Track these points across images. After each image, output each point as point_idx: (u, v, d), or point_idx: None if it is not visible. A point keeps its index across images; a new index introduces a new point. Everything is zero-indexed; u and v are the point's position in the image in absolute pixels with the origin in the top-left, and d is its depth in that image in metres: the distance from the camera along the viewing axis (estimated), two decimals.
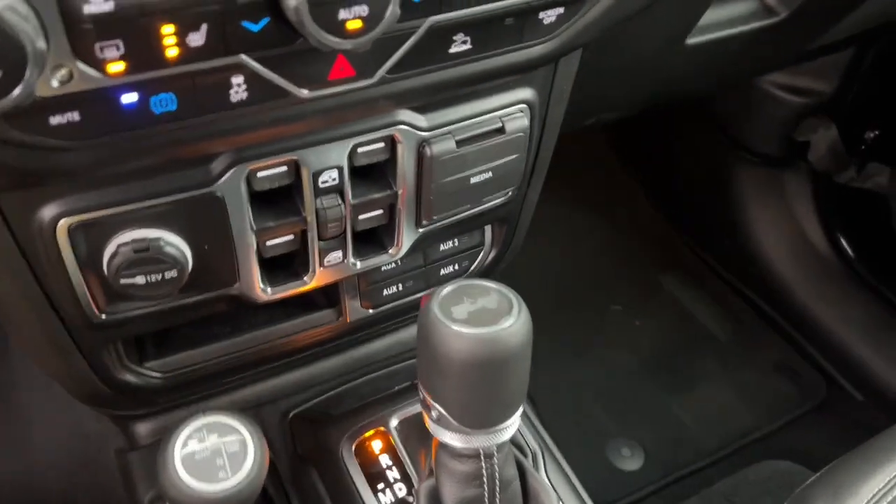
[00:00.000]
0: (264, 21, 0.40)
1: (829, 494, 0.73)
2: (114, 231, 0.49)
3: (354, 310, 0.69)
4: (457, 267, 0.72)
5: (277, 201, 0.55)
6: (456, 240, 0.69)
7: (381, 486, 0.65)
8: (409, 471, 0.65)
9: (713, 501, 1.11)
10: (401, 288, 0.69)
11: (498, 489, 0.59)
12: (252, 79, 0.43)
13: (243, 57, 0.41)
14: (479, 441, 0.56)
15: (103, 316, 0.53)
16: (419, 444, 0.67)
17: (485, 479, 0.58)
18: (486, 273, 0.74)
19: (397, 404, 0.70)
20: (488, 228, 0.71)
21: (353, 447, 0.67)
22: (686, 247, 1.55)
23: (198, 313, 0.58)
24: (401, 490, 0.64)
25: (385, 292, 0.69)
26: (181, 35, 0.38)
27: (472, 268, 0.73)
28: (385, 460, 0.66)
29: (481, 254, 0.72)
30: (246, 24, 0.40)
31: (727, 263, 1.53)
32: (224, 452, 0.52)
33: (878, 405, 1.33)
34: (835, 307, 1.40)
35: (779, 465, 1.17)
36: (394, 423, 0.69)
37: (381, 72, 0.46)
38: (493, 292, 0.54)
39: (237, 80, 0.42)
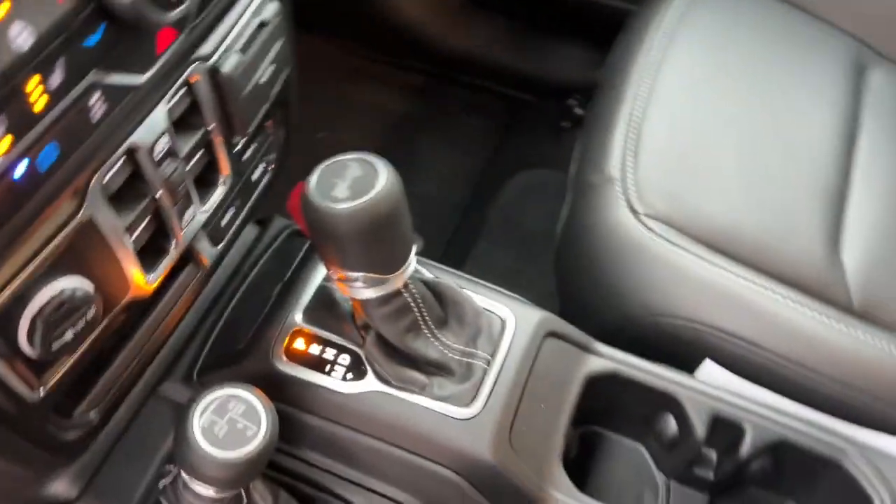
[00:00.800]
0: (101, 30, 0.39)
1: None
2: (19, 308, 0.46)
3: (208, 252, 0.70)
4: (263, 165, 0.75)
5: (121, 195, 0.54)
6: (255, 142, 0.72)
7: (327, 368, 0.72)
8: (340, 343, 0.73)
9: (506, 233, 1.33)
10: (232, 210, 0.72)
11: (423, 306, 0.70)
12: (104, 91, 0.41)
13: (92, 74, 0.40)
14: (401, 280, 0.66)
15: (41, 390, 0.51)
16: (333, 319, 0.74)
17: (412, 305, 0.69)
18: (284, 156, 0.79)
19: (288, 304, 0.75)
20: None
21: (286, 357, 0.72)
22: (350, 54, 1.64)
23: (107, 335, 0.57)
24: (345, 359, 0.72)
25: (223, 223, 0.71)
26: (45, 81, 0.36)
27: (272, 157, 0.76)
28: (315, 349, 0.73)
29: (274, 139, 0.76)
30: (87, 42, 0.38)
31: (386, 51, 1.66)
32: (238, 418, 0.55)
33: (544, 95, 1.62)
34: (482, 40, 1.62)
35: (522, 176, 1.42)
36: (299, 317, 0.74)
37: (192, 19, 0.46)
38: (351, 162, 0.61)
39: (94, 98, 0.41)
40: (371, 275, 0.64)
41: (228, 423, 0.55)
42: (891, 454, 0.76)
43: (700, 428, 0.77)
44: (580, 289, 0.93)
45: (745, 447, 0.76)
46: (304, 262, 0.79)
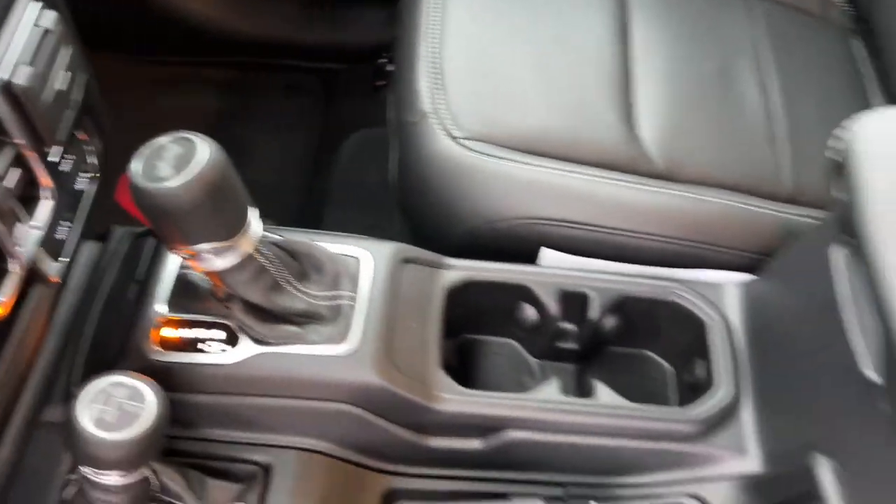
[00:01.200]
0: None
1: None
2: None
3: (52, 268, 0.71)
4: (86, 176, 0.76)
5: None
6: (71, 154, 0.72)
7: (203, 347, 0.75)
8: (210, 320, 0.76)
9: (351, 195, 1.38)
10: (67, 225, 0.72)
11: (279, 264, 0.74)
12: None
13: None
14: (248, 244, 0.69)
15: None
16: (196, 301, 0.77)
17: (267, 264, 0.73)
18: (105, 167, 0.79)
19: (150, 299, 0.77)
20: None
21: (160, 348, 0.74)
22: (155, 64, 1.61)
23: None
24: (219, 334, 0.75)
25: (60, 236, 0.71)
26: None
27: (94, 166, 0.77)
28: (187, 333, 0.75)
29: (91, 149, 0.77)
30: None
31: (188, 53, 1.64)
32: (124, 401, 0.58)
33: (355, 61, 1.66)
34: (280, 22, 1.63)
35: (351, 139, 1.47)
36: (164, 308, 0.76)
37: None
38: (167, 143, 0.64)
39: None
40: (216, 244, 0.67)
41: (117, 407, 0.57)
42: (712, 283, 0.89)
43: (552, 306, 0.86)
44: (423, 218, 0.99)
45: (594, 311, 0.86)
46: (155, 258, 0.80)
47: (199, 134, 0.64)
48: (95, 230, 0.87)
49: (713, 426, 0.78)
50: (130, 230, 0.89)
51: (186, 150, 0.63)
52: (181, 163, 0.62)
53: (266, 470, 0.76)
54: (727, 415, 0.79)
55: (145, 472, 0.63)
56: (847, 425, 0.64)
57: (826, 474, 0.65)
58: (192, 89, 1.64)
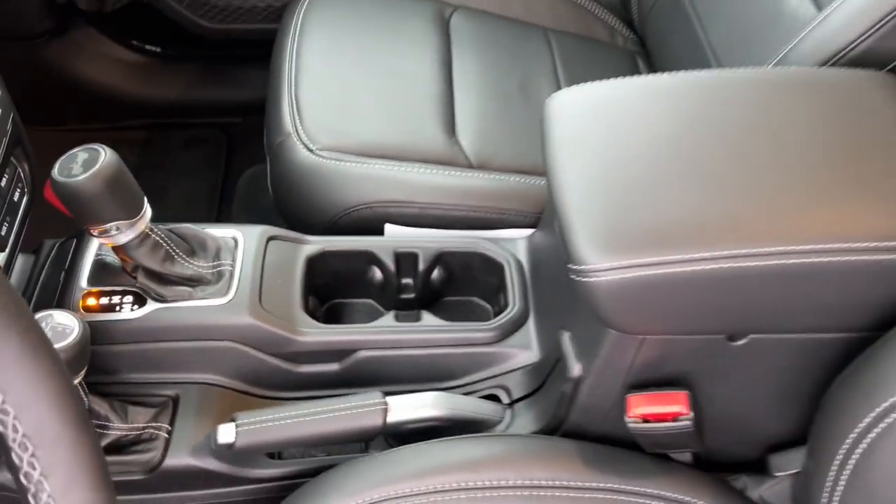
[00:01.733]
0: None
1: None
2: None
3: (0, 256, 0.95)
4: (19, 190, 1.00)
5: None
6: (7, 173, 0.97)
7: (118, 308, 0.99)
8: (122, 289, 1.00)
9: (250, 217, 1.63)
10: (6, 225, 0.97)
11: (170, 242, 1.00)
12: None
13: None
14: (143, 223, 0.95)
15: None
16: (110, 276, 1.01)
17: (160, 241, 0.98)
18: (34, 188, 1.04)
19: (75, 279, 1.01)
20: None
21: (84, 312, 0.98)
22: (70, 131, 1.85)
23: None
24: (129, 298, 1.00)
25: (2, 233, 0.96)
26: None
27: (25, 183, 1.02)
28: (104, 300, 1.00)
29: (21, 170, 1.01)
30: None
31: (98, 119, 1.89)
32: (55, 324, 0.82)
33: (249, 113, 1.93)
34: (179, 86, 1.91)
35: (246, 174, 1.74)
36: (85, 283, 1.01)
37: None
38: (78, 152, 0.90)
39: None
40: (119, 223, 0.92)
41: (50, 329, 0.81)
42: (507, 237, 1.18)
43: (390, 264, 1.13)
44: (295, 216, 1.26)
45: (421, 264, 1.13)
46: (76, 251, 1.05)
47: (102, 145, 0.91)
48: (28, 245, 1.11)
49: (508, 332, 1.06)
50: (56, 240, 1.14)
51: (91, 155, 0.89)
52: (87, 164, 0.88)
53: (174, 400, 1.00)
54: (518, 324, 1.06)
55: (77, 386, 0.86)
56: (571, 304, 0.93)
57: (566, 342, 0.93)
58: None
